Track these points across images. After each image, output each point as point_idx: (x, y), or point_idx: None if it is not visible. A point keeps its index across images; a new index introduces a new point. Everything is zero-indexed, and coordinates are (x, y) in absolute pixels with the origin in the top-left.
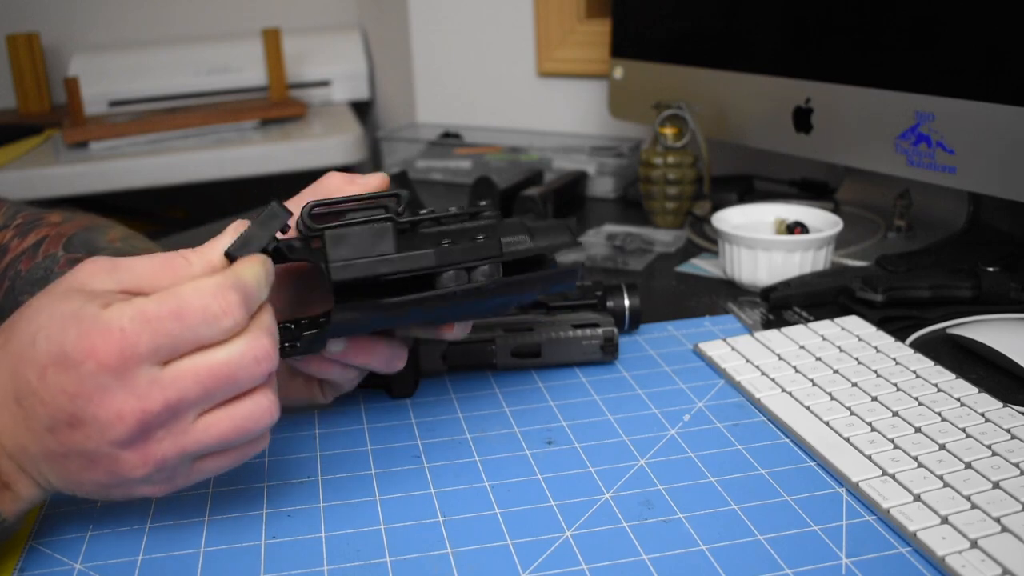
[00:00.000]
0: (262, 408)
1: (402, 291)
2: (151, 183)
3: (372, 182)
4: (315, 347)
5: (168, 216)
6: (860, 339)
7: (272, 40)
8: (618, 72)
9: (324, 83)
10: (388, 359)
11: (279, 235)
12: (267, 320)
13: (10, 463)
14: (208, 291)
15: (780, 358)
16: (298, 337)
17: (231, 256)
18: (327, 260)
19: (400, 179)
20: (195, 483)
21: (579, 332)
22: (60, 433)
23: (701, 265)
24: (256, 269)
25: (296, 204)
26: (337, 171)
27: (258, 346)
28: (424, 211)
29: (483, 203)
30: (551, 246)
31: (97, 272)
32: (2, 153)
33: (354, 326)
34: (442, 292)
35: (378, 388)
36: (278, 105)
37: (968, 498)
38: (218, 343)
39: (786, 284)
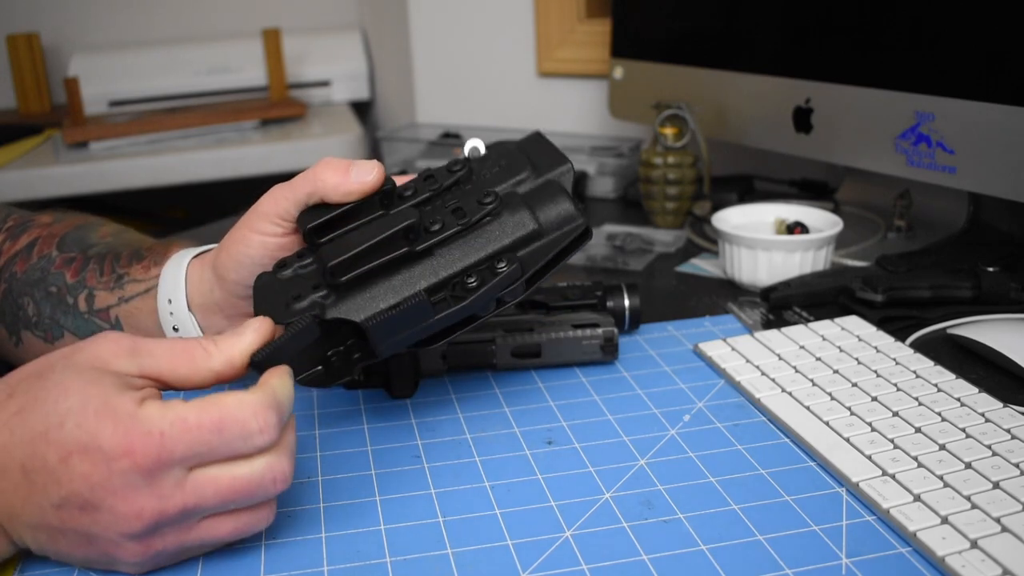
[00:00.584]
0: (263, 517)
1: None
2: (151, 183)
3: (368, 179)
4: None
5: (168, 216)
6: (860, 339)
7: (272, 40)
8: (618, 72)
9: (324, 83)
10: None
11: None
12: (291, 441)
13: None
14: (249, 408)
15: (780, 358)
16: (352, 370)
17: (257, 364)
18: (374, 345)
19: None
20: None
21: (579, 332)
22: (67, 513)
23: (701, 265)
24: (288, 384)
25: (289, 190)
26: (332, 158)
27: (278, 468)
28: (423, 194)
29: (458, 166)
30: (561, 236)
31: (119, 353)
32: (2, 153)
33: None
34: (475, 325)
35: (378, 388)
36: (278, 105)
37: (968, 498)
38: (245, 457)
39: (786, 284)
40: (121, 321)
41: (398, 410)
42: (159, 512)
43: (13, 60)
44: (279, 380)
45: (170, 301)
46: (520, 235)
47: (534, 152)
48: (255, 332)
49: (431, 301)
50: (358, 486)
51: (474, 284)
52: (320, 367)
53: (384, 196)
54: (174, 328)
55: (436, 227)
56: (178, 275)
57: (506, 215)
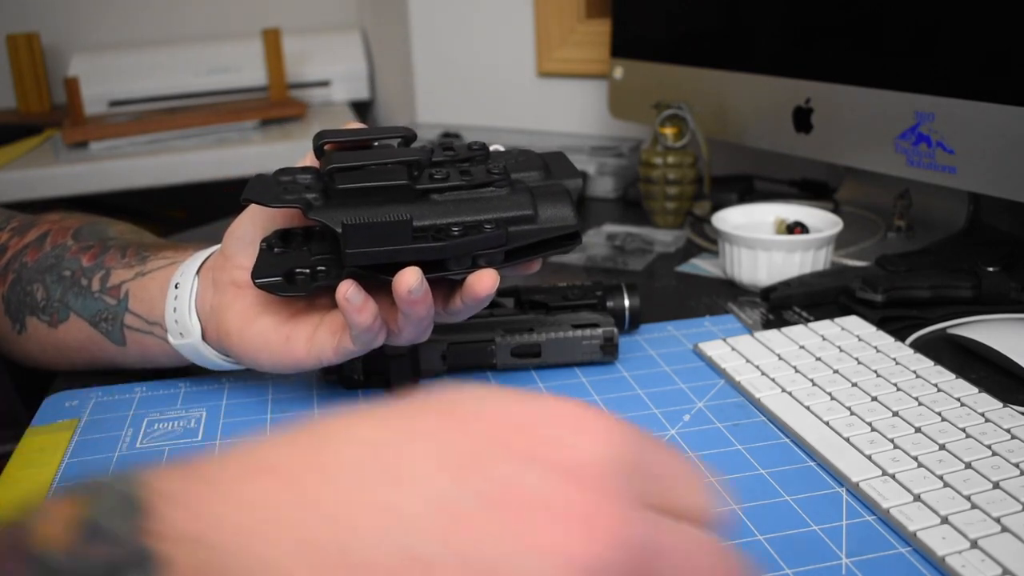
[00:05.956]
0: None
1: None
2: (151, 183)
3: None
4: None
5: (168, 216)
6: (860, 339)
7: (272, 40)
8: (618, 72)
9: (324, 83)
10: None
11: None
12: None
13: None
14: None
15: (780, 358)
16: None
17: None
18: (344, 248)
19: None
20: None
21: (579, 332)
22: None
23: (701, 265)
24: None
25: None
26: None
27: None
28: (438, 158)
29: (478, 145)
30: (552, 228)
31: None
32: (2, 153)
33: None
34: (445, 275)
35: (378, 388)
36: (278, 105)
37: (968, 498)
38: None
39: (786, 284)
40: (129, 294)
41: None
42: None
43: (13, 60)
44: None
45: (178, 282)
46: (514, 214)
47: (552, 160)
48: None
49: (412, 234)
50: None
51: (457, 233)
52: (280, 278)
53: (413, 163)
54: (175, 286)
55: (440, 176)
56: (197, 258)
57: (508, 193)
